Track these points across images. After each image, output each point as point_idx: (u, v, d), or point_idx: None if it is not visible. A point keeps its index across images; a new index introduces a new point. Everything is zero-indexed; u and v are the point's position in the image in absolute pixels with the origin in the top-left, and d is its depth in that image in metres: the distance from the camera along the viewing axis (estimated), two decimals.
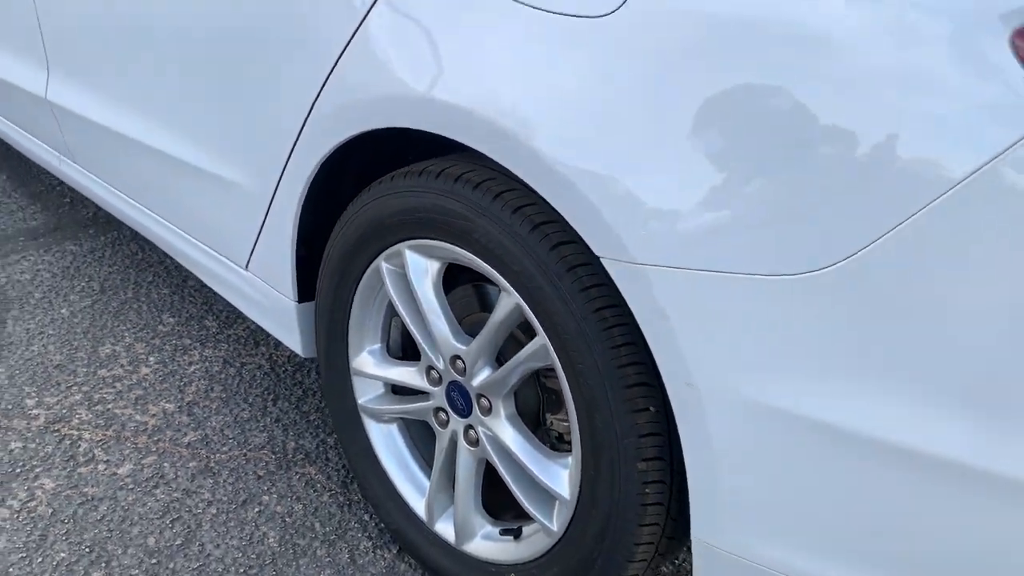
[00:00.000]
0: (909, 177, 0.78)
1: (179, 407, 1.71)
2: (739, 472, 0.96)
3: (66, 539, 1.42)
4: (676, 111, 0.90)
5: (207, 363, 1.84)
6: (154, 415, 1.69)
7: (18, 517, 1.46)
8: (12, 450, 1.59)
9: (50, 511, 1.47)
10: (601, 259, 0.97)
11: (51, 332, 1.91)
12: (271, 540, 1.44)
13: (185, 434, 1.65)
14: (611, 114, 0.94)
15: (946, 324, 0.80)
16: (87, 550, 1.41)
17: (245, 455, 1.61)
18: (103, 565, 1.38)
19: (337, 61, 1.21)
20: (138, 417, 1.68)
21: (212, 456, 1.61)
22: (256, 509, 1.50)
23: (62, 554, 1.39)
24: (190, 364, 1.83)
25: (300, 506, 1.52)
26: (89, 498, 1.50)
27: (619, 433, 1.04)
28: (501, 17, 1.03)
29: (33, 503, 1.49)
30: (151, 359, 1.84)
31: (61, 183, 2.49)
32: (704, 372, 0.93)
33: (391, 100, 1.16)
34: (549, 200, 1.01)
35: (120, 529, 1.44)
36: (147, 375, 1.79)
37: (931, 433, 0.83)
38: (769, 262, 0.86)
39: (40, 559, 1.38)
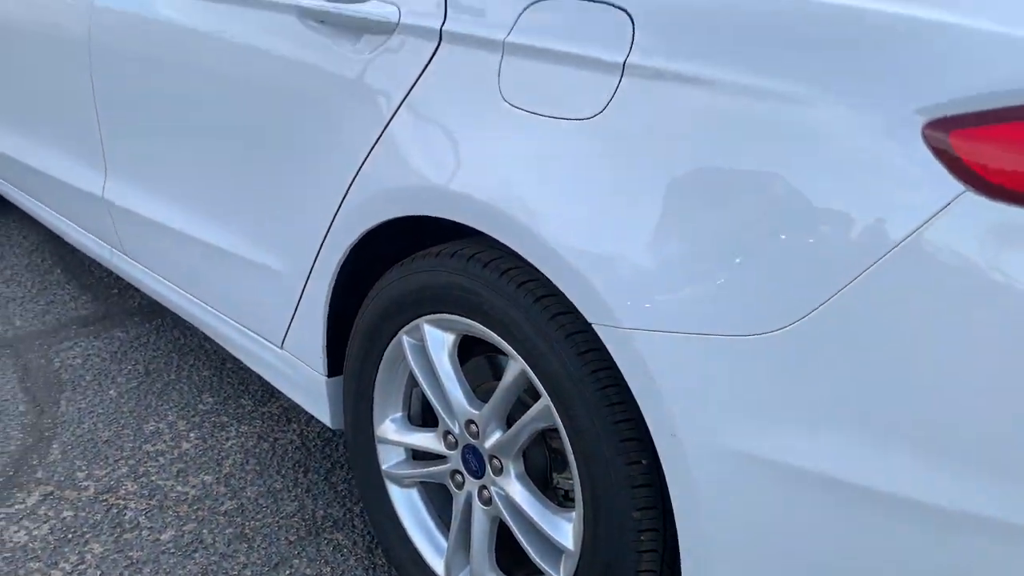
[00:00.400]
0: (845, 250, 0.92)
1: (217, 479, 1.84)
2: (722, 517, 1.06)
3: None
4: (651, 199, 1.04)
5: (243, 438, 1.97)
6: (194, 486, 1.82)
7: None
8: (64, 518, 1.72)
9: (98, 573, 1.59)
10: (594, 326, 1.11)
11: (100, 411, 2.05)
12: None
13: (222, 503, 1.77)
14: (598, 202, 1.09)
15: (885, 375, 0.92)
16: None
17: (278, 522, 1.73)
18: None
19: (365, 158, 1.38)
20: (179, 488, 1.81)
21: (247, 523, 1.72)
22: (287, 572, 1.61)
23: None
24: (227, 439, 1.96)
25: (328, 569, 1.62)
26: (134, 561, 1.62)
27: (615, 485, 1.15)
28: (504, 120, 1.19)
29: (83, 566, 1.61)
30: (192, 435, 1.97)
31: (110, 274, 2.68)
32: (686, 424, 1.05)
33: (413, 192, 1.32)
34: (549, 276, 1.15)
35: None
36: (188, 450, 1.92)
37: (885, 473, 0.94)
38: (735, 324, 0.99)
39: None
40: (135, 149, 1.99)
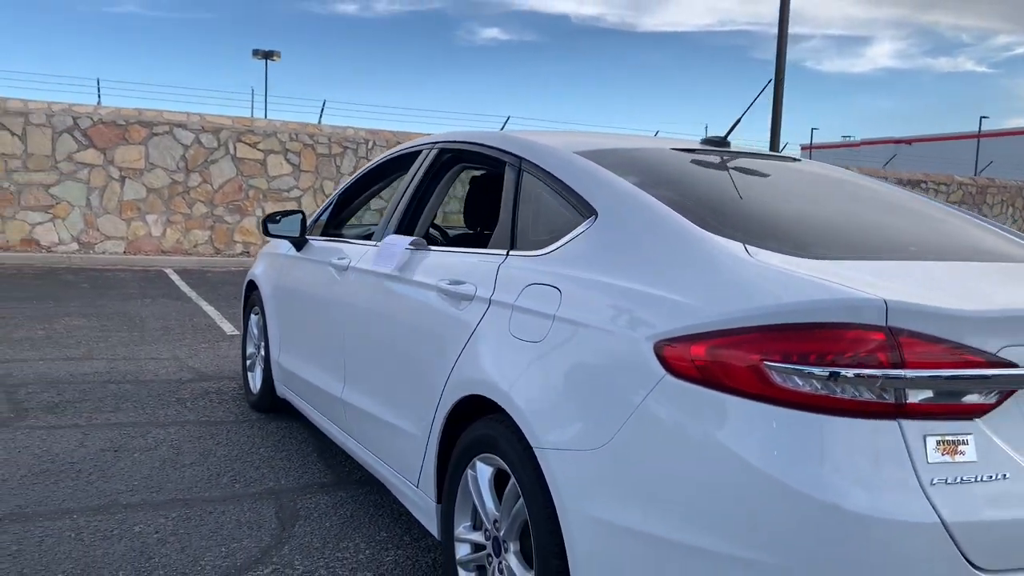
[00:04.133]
0: (623, 405, 1.87)
1: (379, 561, 2.87)
2: (596, 561, 1.94)
3: None
4: (556, 385, 2.06)
5: (399, 553, 3.01)
6: (359, 558, 2.87)
7: None
8: None
9: None
10: (533, 448, 2.09)
11: (319, 534, 3.20)
12: None
13: (385, 559, 2.79)
14: (537, 388, 2.12)
15: (652, 471, 1.83)
16: None
17: None
18: None
19: (456, 361, 2.50)
20: (349, 559, 2.86)
21: None
22: None
23: None
24: (388, 554, 3.01)
25: None
26: None
27: (550, 549, 2.06)
28: (508, 344, 2.28)
29: None
30: (367, 551, 3.05)
31: (343, 454, 3.93)
32: (569, 504, 1.98)
33: (474, 381, 2.41)
34: (517, 422, 2.16)
35: None
36: (362, 559, 2.99)
37: (666, 528, 1.81)
38: (587, 443, 1.95)
39: None
40: (357, 365, 3.28)
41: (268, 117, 18.32)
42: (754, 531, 1.67)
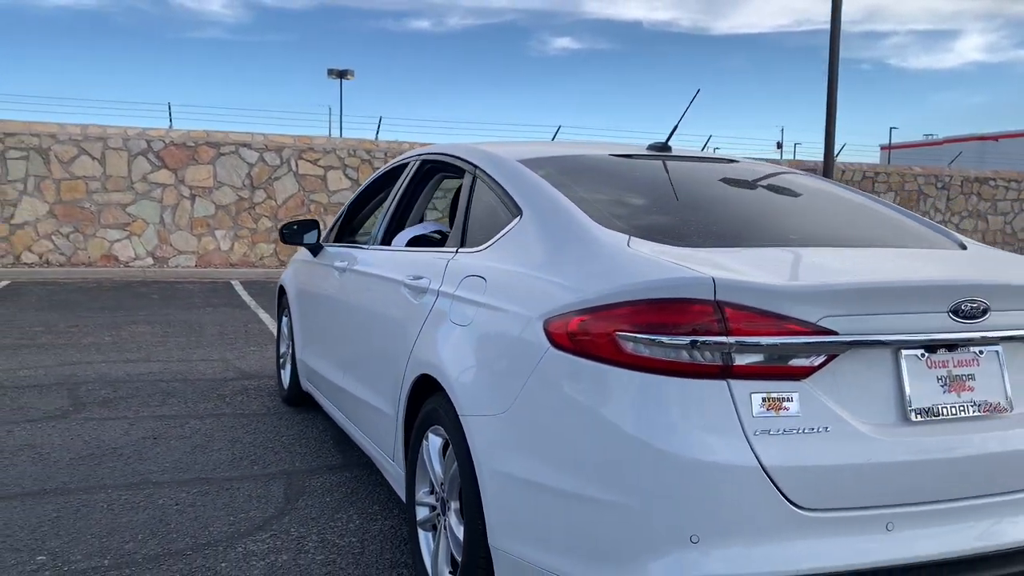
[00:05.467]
0: (520, 374, 2.19)
1: (365, 533, 3.23)
2: (503, 508, 2.26)
3: None
4: (480, 364, 2.39)
5: (384, 523, 3.36)
6: (350, 531, 3.23)
7: None
8: (281, 549, 3.22)
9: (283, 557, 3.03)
10: (459, 416, 2.42)
11: (321, 505, 3.58)
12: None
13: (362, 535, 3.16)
14: (467, 367, 2.45)
15: (541, 431, 2.15)
16: None
17: (368, 545, 3.06)
18: None
19: (413, 345, 2.85)
20: (342, 530, 3.23)
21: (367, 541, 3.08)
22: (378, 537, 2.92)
23: None
24: (376, 524, 3.37)
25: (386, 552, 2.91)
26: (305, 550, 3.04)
27: (472, 501, 2.39)
28: (451, 330, 2.62)
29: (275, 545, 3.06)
30: (357, 520, 3.41)
31: (347, 441, 4.31)
32: (483, 461, 2.30)
33: (425, 362, 2.75)
34: (450, 395, 2.49)
35: None
36: (360, 524, 3.36)
37: (555, 478, 2.12)
38: (495, 409, 2.27)
39: None
40: (350, 355, 3.66)
41: (344, 135, 19.05)
42: (611, 476, 1.97)
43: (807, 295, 1.95)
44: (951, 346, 2.08)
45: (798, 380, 1.94)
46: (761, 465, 1.87)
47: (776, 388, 1.93)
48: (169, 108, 14.17)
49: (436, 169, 3.61)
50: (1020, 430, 2.12)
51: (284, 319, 5.44)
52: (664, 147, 3.26)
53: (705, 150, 18.59)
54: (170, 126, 14.05)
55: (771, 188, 3.01)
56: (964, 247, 2.71)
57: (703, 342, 1.91)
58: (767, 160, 18.09)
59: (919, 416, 2.03)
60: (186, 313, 9.35)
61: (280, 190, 14.35)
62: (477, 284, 2.58)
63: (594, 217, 2.42)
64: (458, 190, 3.79)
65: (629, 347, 1.97)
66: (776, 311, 1.93)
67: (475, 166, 3.08)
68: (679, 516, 1.89)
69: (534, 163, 2.89)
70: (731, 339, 1.90)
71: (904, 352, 2.04)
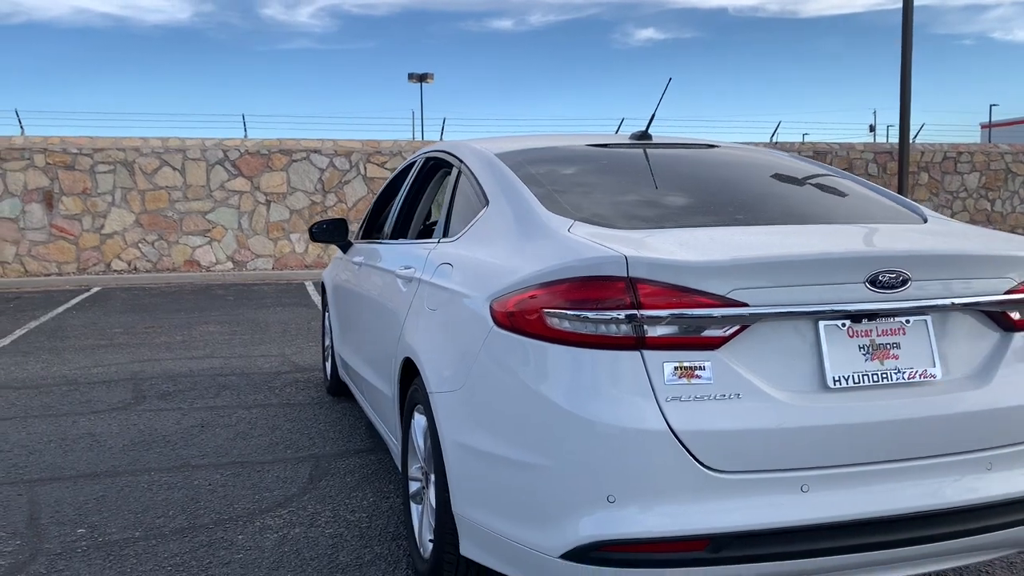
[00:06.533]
0: (470, 355, 2.37)
1: (374, 511, 3.46)
2: (462, 477, 2.44)
3: None
4: (441, 344, 2.58)
5: (390, 501, 3.57)
6: (362, 507, 3.46)
7: None
8: (297, 522, 3.47)
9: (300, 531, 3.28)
10: (429, 393, 2.61)
11: (342, 485, 3.82)
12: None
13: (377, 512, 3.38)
14: (434, 350, 2.64)
15: (489, 405, 2.32)
16: None
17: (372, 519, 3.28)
18: None
19: (400, 330, 3.06)
20: (356, 506, 3.46)
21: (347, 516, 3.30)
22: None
23: None
24: (388, 501, 3.59)
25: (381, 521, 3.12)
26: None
27: (439, 470, 2.57)
28: (426, 316, 2.81)
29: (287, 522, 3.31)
30: (371, 497, 3.64)
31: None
32: (446, 433, 2.48)
33: (406, 348, 2.95)
34: (422, 375, 2.68)
35: None
36: (372, 501, 3.59)
37: (493, 446, 2.29)
38: (454, 386, 2.45)
39: None
40: (364, 343, 3.89)
41: (425, 138, 19.44)
42: (541, 442, 2.12)
43: (715, 269, 2.06)
44: (873, 316, 2.16)
45: (711, 350, 2.05)
46: (671, 429, 1.99)
47: (688, 357, 2.04)
48: (243, 119, 14.81)
49: (437, 166, 3.80)
50: (946, 397, 2.18)
51: (326, 314, 5.73)
52: (644, 136, 3.37)
53: (774, 136, 18.31)
54: (245, 135, 14.68)
55: (735, 171, 3.09)
56: (925, 220, 2.74)
57: (617, 316, 2.04)
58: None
59: (837, 383, 2.11)
60: (255, 312, 9.82)
61: (350, 193, 14.82)
62: (446, 271, 2.76)
63: (547, 204, 2.57)
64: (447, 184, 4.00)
65: (554, 323, 2.12)
66: (686, 285, 2.05)
67: (460, 160, 3.26)
68: (597, 478, 2.03)
69: (508, 156, 3.05)
70: (644, 312, 2.03)
71: (823, 323, 2.13)
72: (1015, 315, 2.29)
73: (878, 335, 2.17)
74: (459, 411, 2.43)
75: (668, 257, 2.07)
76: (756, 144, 17.54)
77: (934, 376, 2.19)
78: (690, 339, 2.05)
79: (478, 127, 40.54)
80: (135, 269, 13.93)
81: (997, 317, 2.29)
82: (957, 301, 2.22)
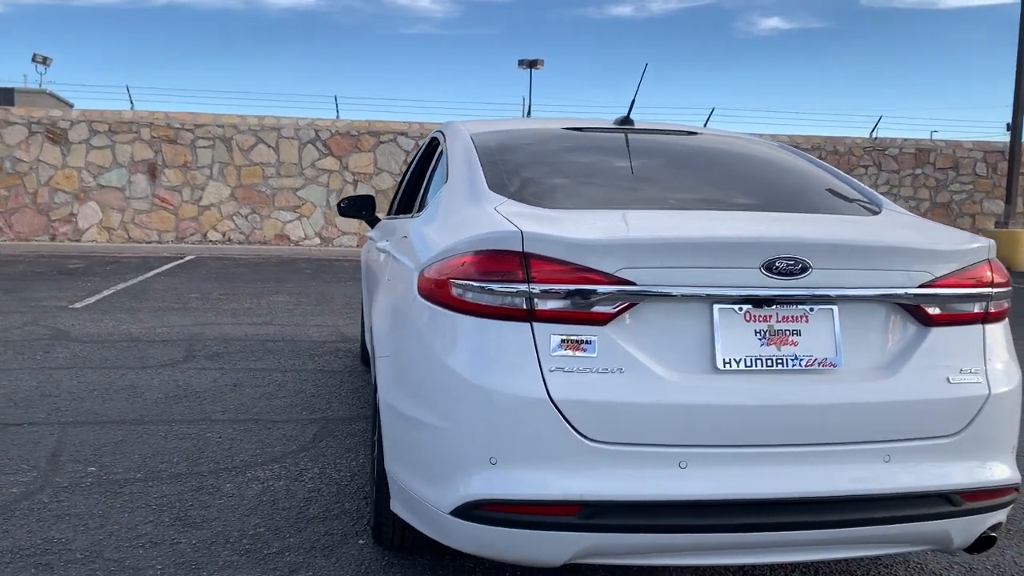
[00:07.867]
0: (407, 314, 2.50)
1: (342, 485, 3.65)
2: (389, 436, 2.59)
3: None
4: (391, 331, 2.72)
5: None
6: (349, 471, 3.65)
7: None
8: (294, 479, 3.69)
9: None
10: (373, 357, 2.76)
11: (340, 449, 4.03)
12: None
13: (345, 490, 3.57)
14: (381, 314, 2.79)
15: (421, 373, 2.46)
16: None
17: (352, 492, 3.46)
18: None
19: (373, 300, 3.22)
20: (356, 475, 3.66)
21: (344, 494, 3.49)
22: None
23: None
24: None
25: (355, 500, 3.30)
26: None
27: (376, 426, 2.73)
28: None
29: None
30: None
31: None
32: (381, 395, 2.63)
33: (370, 317, 3.12)
34: (374, 367, 2.84)
35: None
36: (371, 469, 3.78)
37: (417, 410, 2.43)
38: (388, 351, 2.60)
39: None
40: (368, 314, 4.08)
41: None
42: (440, 405, 2.25)
43: (605, 247, 2.13)
44: (771, 301, 2.18)
45: (598, 325, 2.13)
46: (551, 398, 2.08)
47: (575, 331, 2.12)
48: (335, 100, 15.42)
49: (436, 144, 3.94)
50: (846, 386, 2.18)
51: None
52: (625, 121, 3.42)
53: (875, 130, 17.64)
54: (336, 116, 15.20)
55: (698, 159, 3.11)
56: (877, 212, 2.71)
57: (510, 289, 2.14)
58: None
59: (728, 365, 2.15)
60: (326, 286, 10.23)
61: None
62: (403, 244, 2.90)
63: (490, 183, 2.67)
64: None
65: (457, 293, 2.23)
66: (575, 262, 2.12)
67: (444, 139, 3.39)
68: (483, 441, 2.14)
69: (482, 136, 3.16)
70: (535, 287, 2.12)
71: (717, 306, 2.17)
72: (931, 310, 2.27)
73: (778, 321, 2.19)
74: (390, 374, 2.58)
75: (560, 234, 2.15)
76: (854, 139, 16.95)
77: (834, 365, 2.20)
78: (578, 314, 2.13)
79: (582, 115, 40.45)
80: (229, 240, 14.66)
81: (913, 311, 2.27)
82: (865, 292, 2.22)
